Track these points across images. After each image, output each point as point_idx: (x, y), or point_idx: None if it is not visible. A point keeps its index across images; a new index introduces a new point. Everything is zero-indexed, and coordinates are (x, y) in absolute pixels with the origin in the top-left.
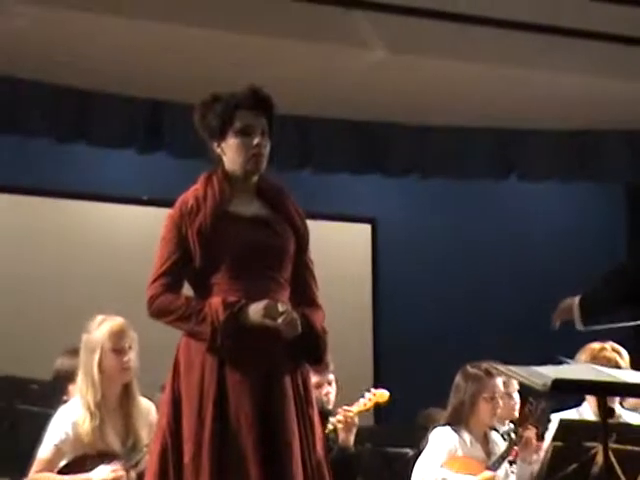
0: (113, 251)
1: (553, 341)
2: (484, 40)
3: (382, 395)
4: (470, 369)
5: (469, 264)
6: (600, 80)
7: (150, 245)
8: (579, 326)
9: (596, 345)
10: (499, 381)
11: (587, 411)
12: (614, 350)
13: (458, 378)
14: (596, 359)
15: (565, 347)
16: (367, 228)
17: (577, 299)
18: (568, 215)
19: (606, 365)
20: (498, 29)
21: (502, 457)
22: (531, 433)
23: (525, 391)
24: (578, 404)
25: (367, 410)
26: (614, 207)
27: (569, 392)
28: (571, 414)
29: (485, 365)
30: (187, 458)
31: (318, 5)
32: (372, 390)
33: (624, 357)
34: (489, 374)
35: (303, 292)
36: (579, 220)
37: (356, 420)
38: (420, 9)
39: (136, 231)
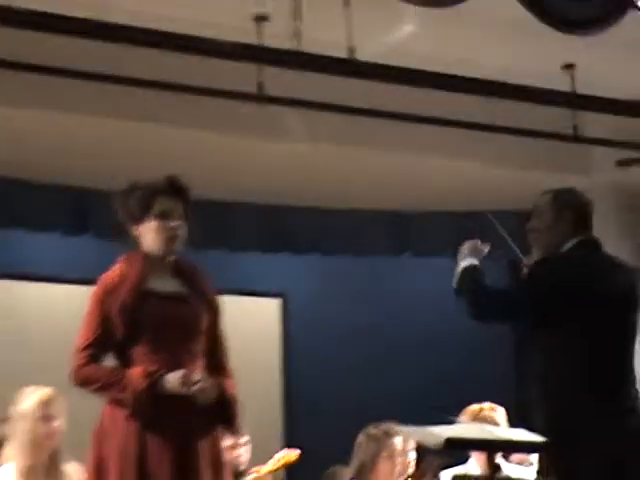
0: (41, 326)
1: (443, 403)
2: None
3: (291, 455)
4: (371, 430)
5: (372, 333)
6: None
7: (75, 321)
8: (453, 284)
9: (475, 406)
10: (397, 440)
11: (474, 467)
12: (491, 409)
13: (360, 438)
14: (477, 419)
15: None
16: (277, 302)
17: (472, 263)
18: None
19: (488, 422)
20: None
21: None
22: None
23: (421, 448)
24: (464, 461)
25: (278, 469)
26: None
27: (460, 449)
28: (459, 470)
29: (385, 426)
30: None
31: (234, 101)
32: (284, 450)
33: (501, 414)
34: (388, 434)
35: (216, 362)
36: None
37: (268, 478)
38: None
39: (62, 307)
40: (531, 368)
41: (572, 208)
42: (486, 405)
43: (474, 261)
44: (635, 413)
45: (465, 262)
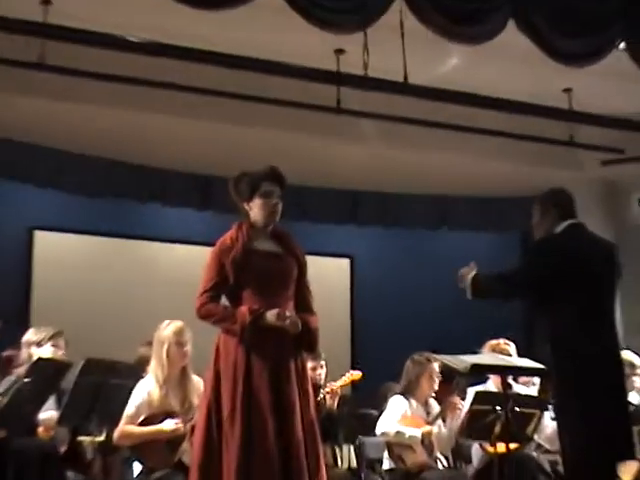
0: (175, 275)
1: (472, 341)
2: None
3: (357, 375)
4: (416, 357)
5: (417, 285)
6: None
7: (197, 273)
8: (468, 296)
9: (494, 341)
10: (435, 365)
11: (491, 386)
12: (506, 344)
13: (408, 363)
14: (494, 350)
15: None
16: (347, 262)
17: (472, 274)
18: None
19: (503, 354)
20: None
21: (437, 416)
22: (457, 400)
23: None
24: (484, 382)
25: (346, 385)
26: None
27: (481, 372)
28: (480, 388)
29: (426, 354)
30: (226, 413)
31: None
32: (350, 371)
33: (512, 348)
34: (429, 360)
35: (303, 303)
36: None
37: (339, 392)
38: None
39: (190, 262)
40: (539, 319)
41: (554, 204)
42: (502, 341)
43: (473, 273)
44: (616, 348)
45: (470, 276)
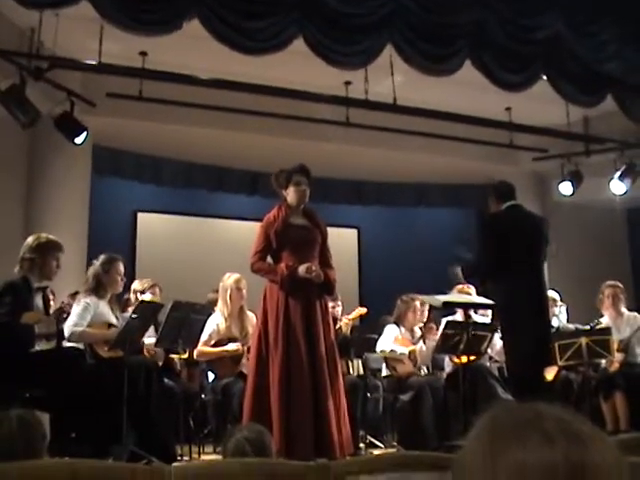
0: (236, 242)
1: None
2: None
3: (363, 310)
4: (403, 297)
5: (407, 249)
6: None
7: (251, 240)
8: (462, 280)
9: (459, 286)
10: (417, 303)
11: (458, 317)
12: (468, 287)
13: (398, 301)
14: (460, 292)
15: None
16: (355, 231)
17: (459, 268)
18: (454, 225)
19: (465, 294)
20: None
21: (419, 338)
22: (434, 325)
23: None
24: (453, 313)
25: (356, 318)
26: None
27: (451, 307)
28: (450, 318)
29: (410, 295)
30: (272, 338)
31: (332, 125)
32: (359, 308)
33: (473, 290)
34: (412, 299)
35: (325, 261)
36: (456, 228)
37: (350, 322)
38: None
39: (245, 234)
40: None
41: (499, 190)
42: (466, 285)
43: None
44: (542, 289)
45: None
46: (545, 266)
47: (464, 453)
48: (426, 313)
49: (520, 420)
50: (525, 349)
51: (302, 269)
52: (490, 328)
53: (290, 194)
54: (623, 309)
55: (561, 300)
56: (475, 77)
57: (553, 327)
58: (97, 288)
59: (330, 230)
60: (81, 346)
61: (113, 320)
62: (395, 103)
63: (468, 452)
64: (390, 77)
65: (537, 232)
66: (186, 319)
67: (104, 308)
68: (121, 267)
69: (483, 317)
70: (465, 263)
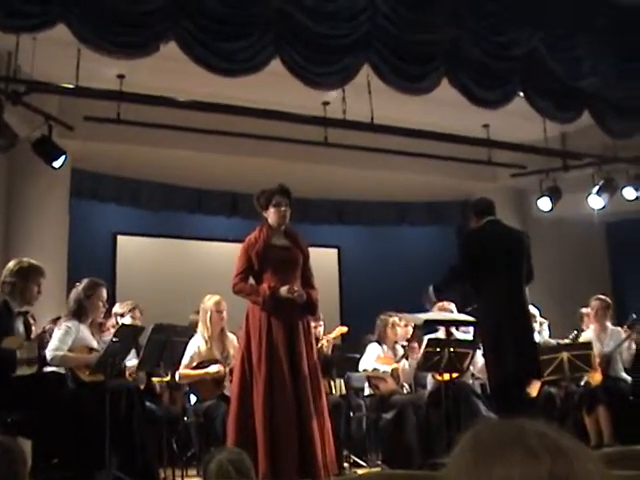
0: (215, 264)
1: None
2: None
3: (344, 329)
4: (382, 315)
5: (388, 268)
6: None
7: (232, 261)
8: (434, 298)
9: (440, 303)
10: (396, 319)
11: (440, 334)
12: (449, 304)
13: (377, 319)
14: (441, 309)
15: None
16: (335, 251)
17: (431, 286)
18: (435, 242)
19: (446, 312)
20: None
21: (402, 356)
22: (415, 344)
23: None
24: (435, 331)
25: (337, 337)
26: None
27: (433, 324)
28: (432, 336)
29: (390, 313)
30: (255, 360)
31: (310, 146)
32: (340, 327)
33: (453, 307)
34: (390, 316)
35: (307, 281)
36: (437, 246)
37: (332, 341)
38: (364, 147)
39: (225, 255)
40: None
41: (479, 206)
42: (446, 302)
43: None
44: (524, 305)
45: (430, 288)
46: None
47: (448, 471)
48: (410, 330)
49: (504, 436)
50: (506, 365)
51: (284, 290)
52: (472, 345)
53: (270, 215)
54: (607, 323)
55: (540, 316)
56: (452, 95)
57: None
58: (79, 312)
59: (311, 250)
60: (62, 370)
61: (94, 344)
62: (373, 122)
63: (452, 470)
64: (367, 97)
65: (517, 247)
66: (167, 342)
67: (85, 332)
68: (104, 293)
69: (465, 334)
70: (435, 281)
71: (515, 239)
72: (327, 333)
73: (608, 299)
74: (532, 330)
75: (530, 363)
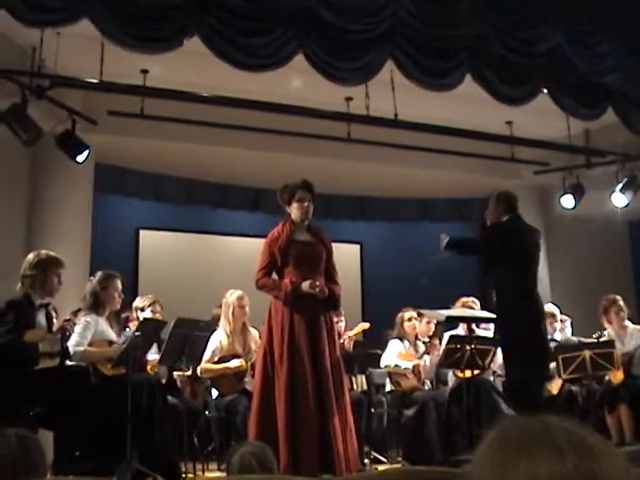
0: (238, 259)
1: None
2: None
3: (366, 325)
4: (402, 311)
5: (409, 262)
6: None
7: (254, 257)
8: (442, 247)
9: (464, 298)
10: (413, 313)
11: (461, 331)
12: (473, 302)
13: (398, 315)
14: (464, 306)
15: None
16: (358, 247)
17: (447, 238)
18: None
19: (469, 308)
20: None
21: (423, 353)
22: (437, 341)
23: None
24: (456, 327)
25: (359, 333)
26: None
27: (455, 321)
28: (454, 332)
29: (409, 308)
30: (277, 355)
31: (334, 142)
32: (362, 323)
33: (477, 304)
34: (407, 310)
35: (330, 277)
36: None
37: (354, 337)
38: (387, 143)
39: (248, 250)
40: (491, 284)
41: (504, 200)
42: (469, 298)
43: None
44: (538, 301)
45: (445, 239)
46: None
47: (473, 467)
48: (432, 327)
49: (529, 433)
50: (524, 363)
51: (306, 285)
52: (493, 342)
53: (294, 210)
54: (626, 322)
55: (561, 313)
56: (476, 91)
57: (556, 341)
58: (95, 305)
59: (333, 246)
60: (84, 364)
61: (113, 337)
62: (396, 118)
63: (477, 466)
64: (391, 92)
65: (535, 245)
66: (189, 336)
67: (104, 325)
68: (118, 284)
69: (486, 331)
70: (453, 236)
71: (536, 237)
72: (349, 329)
73: (619, 297)
74: (545, 326)
75: (547, 359)
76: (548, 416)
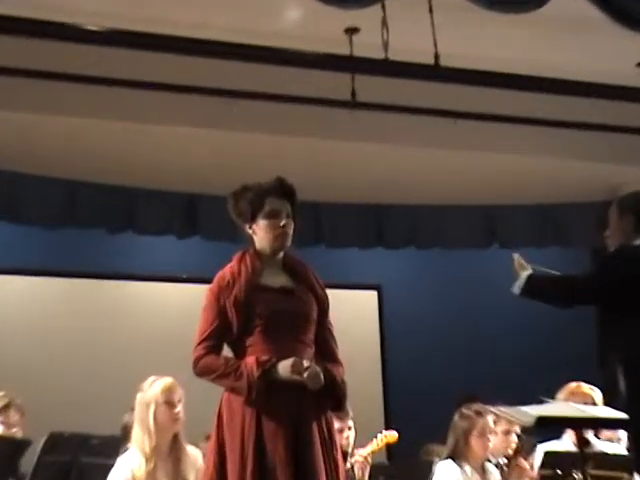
0: (160, 322)
1: (535, 383)
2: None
3: (392, 436)
4: (464, 410)
5: (460, 321)
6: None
7: (190, 316)
8: (515, 290)
9: (573, 384)
10: (488, 419)
11: (567, 442)
12: (590, 389)
13: (455, 417)
14: (574, 395)
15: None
16: (374, 294)
17: (527, 273)
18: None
19: (583, 401)
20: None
21: None
22: (523, 463)
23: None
24: (559, 436)
25: (379, 449)
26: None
27: (551, 426)
28: (554, 445)
29: (476, 406)
30: None
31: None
32: (383, 432)
33: (598, 394)
34: (479, 414)
35: (325, 350)
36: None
37: (369, 459)
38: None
39: (178, 305)
40: (610, 346)
41: (634, 210)
42: (584, 384)
43: (529, 270)
44: None
45: (524, 273)
46: None
47: None
48: (514, 438)
49: None
50: None
51: (285, 366)
52: (625, 463)
53: (260, 232)
54: None
55: None
56: (576, 12)
57: None
58: None
59: (331, 294)
60: None
61: None
62: (437, 64)
63: None
64: (428, 17)
65: None
66: (73, 465)
67: None
68: None
69: (612, 443)
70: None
71: None
72: (362, 444)
73: None
74: None
75: None
76: None
